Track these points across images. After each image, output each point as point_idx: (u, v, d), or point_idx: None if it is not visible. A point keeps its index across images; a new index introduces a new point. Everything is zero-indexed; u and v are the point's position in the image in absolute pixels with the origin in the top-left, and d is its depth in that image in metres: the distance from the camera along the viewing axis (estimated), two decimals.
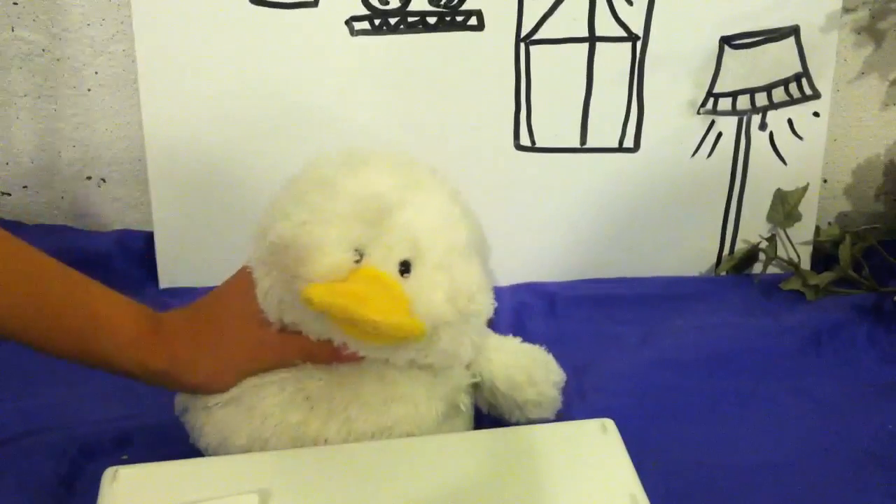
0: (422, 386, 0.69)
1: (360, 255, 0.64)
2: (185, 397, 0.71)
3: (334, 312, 0.61)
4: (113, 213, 1.08)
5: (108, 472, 0.64)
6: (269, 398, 0.68)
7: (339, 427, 0.68)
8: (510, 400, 0.74)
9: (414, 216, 0.66)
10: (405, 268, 0.65)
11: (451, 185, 0.72)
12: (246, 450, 0.68)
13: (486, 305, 0.69)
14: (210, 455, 0.70)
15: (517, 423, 0.73)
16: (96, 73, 1.00)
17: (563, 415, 0.78)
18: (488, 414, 0.76)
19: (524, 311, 0.95)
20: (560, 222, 1.01)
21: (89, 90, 1.01)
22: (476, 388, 0.75)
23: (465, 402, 0.72)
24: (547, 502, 0.61)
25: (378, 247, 0.64)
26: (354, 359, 0.67)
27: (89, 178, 1.06)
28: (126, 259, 1.01)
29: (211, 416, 0.69)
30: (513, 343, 0.77)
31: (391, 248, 0.65)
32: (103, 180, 1.06)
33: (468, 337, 0.69)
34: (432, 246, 0.65)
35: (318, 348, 0.67)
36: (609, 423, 0.68)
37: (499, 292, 0.96)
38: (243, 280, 0.69)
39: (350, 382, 0.68)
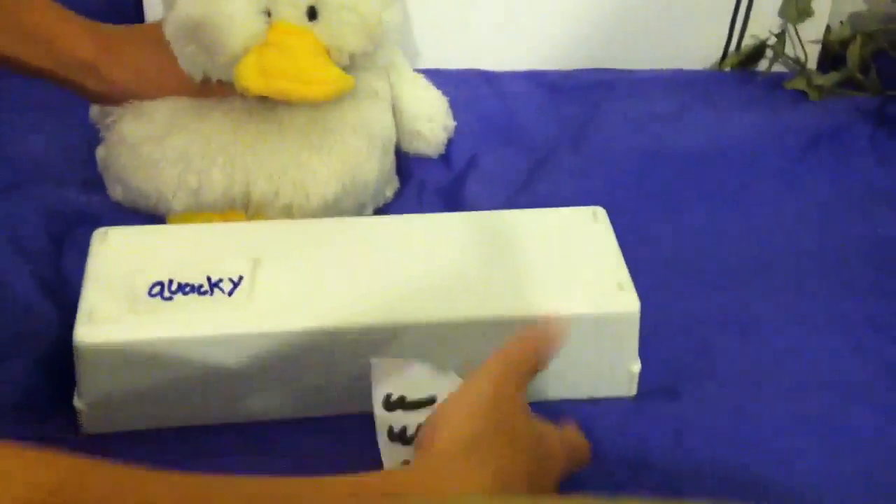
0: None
1: (268, 14, 0.69)
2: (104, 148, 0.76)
3: (272, 96, 0.69)
4: None
5: (98, 233, 0.64)
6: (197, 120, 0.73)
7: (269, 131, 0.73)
8: (406, 125, 0.82)
9: None
10: (312, 13, 0.70)
11: None
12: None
13: (394, 19, 0.74)
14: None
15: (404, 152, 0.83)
16: None
17: (556, 195, 0.79)
18: None
19: (523, 97, 0.93)
20: (563, 8, 0.97)
21: None
22: None
23: (382, 88, 0.78)
24: (534, 284, 0.62)
25: (282, 1, 0.69)
26: None
27: None
28: (112, 14, 0.97)
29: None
30: (425, 82, 0.85)
31: (295, 0, 0.69)
32: None
33: (384, 48, 0.76)
34: None
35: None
36: (600, 212, 0.68)
37: (499, 78, 0.95)
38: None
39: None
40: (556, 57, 0.99)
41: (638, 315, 0.62)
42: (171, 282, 0.59)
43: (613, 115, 0.90)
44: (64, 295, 0.67)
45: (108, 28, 0.73)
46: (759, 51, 1.00)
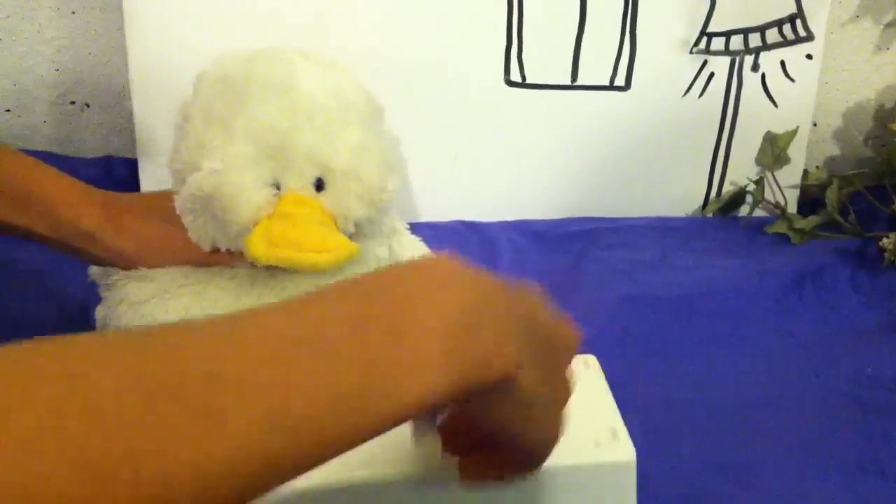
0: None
1: (277, 186, 0.71)
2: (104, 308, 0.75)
3: (280, 265, 0.69)
4: (96, 140, 1.06)
5: None
6: (194, 288, 0.74)
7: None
8: None
9: (310, 138, 0.71)
10: (320, 184, 0.71)
11: (324, 59, 0.76)
12: None
13: (397, 187, 0.75)
14: None
15: None
16: None
17: None
18: None
19: (511, 246, 0.95)
20: (548, 160, 1.00)
21: (73, 12, 0.99)
22: None
23: (383, 254, 0.79)
24: None
25: (291, 174, 0.71)
26: None
27: (73, 102, 1.04)
28: (109, 186, 1.00)
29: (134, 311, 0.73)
30: (423, 246, 0.86)
31: (302, 173, 0.71)
32: (87, 105, 1.04)
33: (388, 215, 0.77)
34: (336, 157, 0.71)
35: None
36: (591, 359, 0.68)
37: (486, 229, 0.97)
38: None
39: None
40: (542, 207, 1.02)
41: (634, 464, 0.61)
42: None
43: (599, 263, 0.92)
44: None
45: (113, 196, 0.73)
46: (739, 197, 1.03)
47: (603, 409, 0.64)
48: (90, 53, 1.01)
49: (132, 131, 0.96)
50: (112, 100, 1.04)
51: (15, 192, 0.67)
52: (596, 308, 0.86)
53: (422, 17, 0.95)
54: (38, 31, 1.00)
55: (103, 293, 0.77)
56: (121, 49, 0.97)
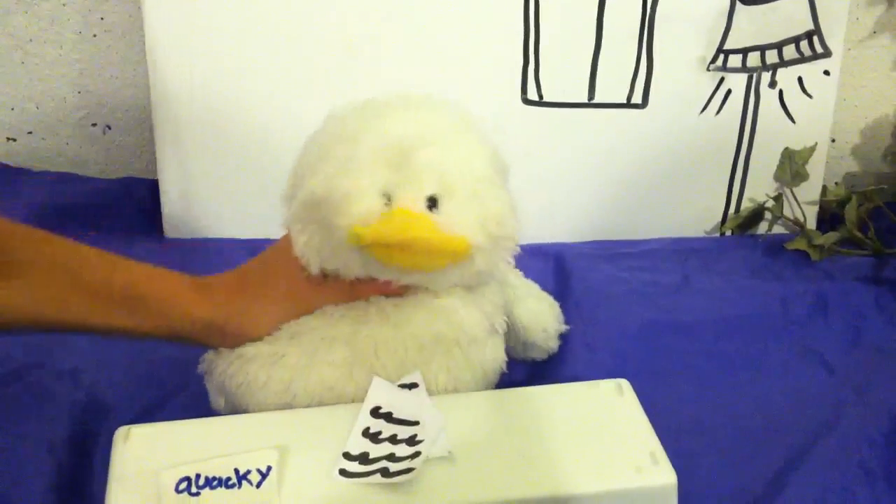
0: (461, 301, 0.71)
1: (388, 199, 0.66)
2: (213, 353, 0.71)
3: (386, 241, 0.64)
4: (117, 161, 1.07)
5: (121, 431, 0.63)
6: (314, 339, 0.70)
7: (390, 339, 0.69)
8: (521, 337, 0.80)
9: (436, 154, 0.67)
10: (433, 203, 0.66)
11: (467, 115, 0.72)
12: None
13: (515, 229, 0.70)
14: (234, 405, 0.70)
15: (513, 357, 0.79)
16: (102, 18, 0.99)
17: (572, 370, 0.80)
18: None
19: (531, 270, 0.94)
20: (566, 178, 1.01)
21: (95, 36, 1.00)
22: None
23: (500, 323, 0.74)
24: (567, 461, 0.62)
25: (404, 188, 0.66)
26: (398, 291, 0.69)
27: (94, 124, 1.05)
28: (130, 207, 1.01)
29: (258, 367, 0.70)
30: (538, 290, 0.83)
31: (417, 187, 0.66)
32: (108, 127, 1.05)
33: (501, 258, 0.71)
34: (457, 179, 0.67)
35: (361, 285, 0.69)
36: (625, 384, 0.69)
37: None
38: (283, 244, 0.69)
39: (395, 315, 0.70)
40: (560, 225, 1.02)
41: (675, 487, 0.61)
42: (198, 476, 0.59)
43: (620, 286, 0.92)
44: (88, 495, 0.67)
45: (215, 283, 0.69)
46: (757, 213, 1.03)
47: (640, 433, 0.65)
48: (112, 76, 1.02)
49: (153, 153, 0.97)
50: (133, 122, 1.04)
51: (129, 300, 0.65)
52: (618, 331, 0.86)
53: (440, 37, 0.95)
54: (61, 55, 1.00)
55: None
56: (142, 72, 0.98)
